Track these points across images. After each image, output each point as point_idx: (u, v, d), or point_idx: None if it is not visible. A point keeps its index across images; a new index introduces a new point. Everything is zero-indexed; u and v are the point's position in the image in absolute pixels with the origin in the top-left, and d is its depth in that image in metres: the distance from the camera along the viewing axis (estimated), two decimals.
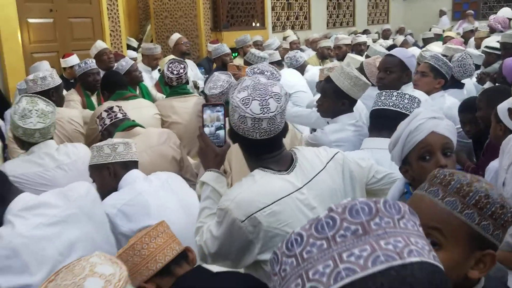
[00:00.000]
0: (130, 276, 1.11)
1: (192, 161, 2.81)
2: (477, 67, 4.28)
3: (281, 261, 0.52)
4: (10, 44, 4.64)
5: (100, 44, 4.63)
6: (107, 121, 2.44)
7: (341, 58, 5.62)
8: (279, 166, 1.44)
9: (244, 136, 1.39)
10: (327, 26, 10.71)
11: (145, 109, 3.21)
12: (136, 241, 1.36)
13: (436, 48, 4.89)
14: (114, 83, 3.34)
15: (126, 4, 8.00)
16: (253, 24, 7.91)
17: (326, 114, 2.53)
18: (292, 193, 1.39)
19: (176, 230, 1.56)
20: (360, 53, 5.56)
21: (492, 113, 2.36)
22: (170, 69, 3.30)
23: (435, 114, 1.51)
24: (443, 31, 8.50)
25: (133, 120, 2.57)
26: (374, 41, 7.19)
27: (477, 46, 5.90)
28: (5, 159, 2.89)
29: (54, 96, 3.03)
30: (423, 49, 4.99)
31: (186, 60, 5.34)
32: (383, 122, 2.08)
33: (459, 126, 2.90)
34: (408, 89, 2.64)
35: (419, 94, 2.77)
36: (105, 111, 2.49)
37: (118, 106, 2.55)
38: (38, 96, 2.28)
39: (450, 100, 3.03)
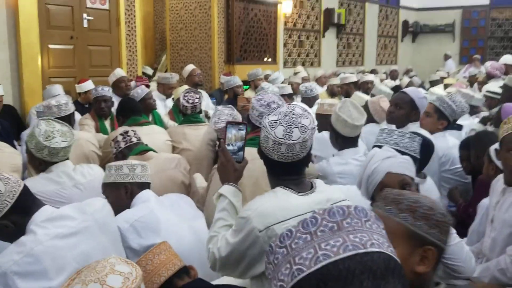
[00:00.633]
0: None
1: (201, 184, 2.91)
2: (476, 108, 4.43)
3: (275, 251, 0.66)
4: (30, 67, 4.85)
5: (119, 72, 4.83)
6: (122, 144, 2.56)
7: (346, 95, 5.83)
8: (299, 188, 1.55)
9: (265, 154, 1.53)
10: (337, 64, 10.97)
11: (157, 135, 3.33)
12: (141, 258, 1.47)
13: (439, 90, 5.05)
14: (129, 109, 3.48)
15: (143, 34, 8.29)
16: (265, 59, 8.15)
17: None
18: (310, 212, 1.49)
19: (183, 251, 1.65)
20: (366, 91, 5.73)
21: (478, 154, 2.49)
22: (186, 98, 3.44)
23: (388, 153, 1.63)
24: (448, 74, 8.69)
25: (146, 145, 2.69)
26: (382, 81, 7.38)
27: (480, 90, 6.06)
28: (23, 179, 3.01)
29: (72, 120, 3.24)
30: (427, 91, 5.14)
31: (205, 94, 5.53)
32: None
33: (458, 166, 3.00)
34: (414, 127, 2.76)
35: (424, 133, 2.88)
36: (121, 134, 2.62)
37: (133, 131, 2.68)
38: (51, 118, 2.42)
39: (451, 141, 3.13)
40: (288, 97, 5.00)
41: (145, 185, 2.13)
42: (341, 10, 10.61)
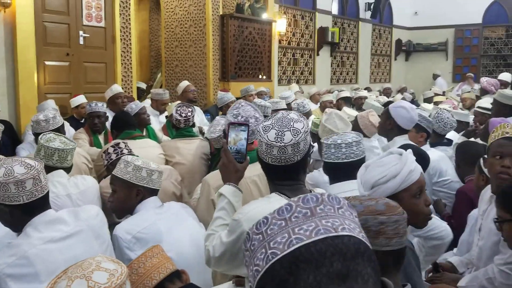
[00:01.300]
0: None
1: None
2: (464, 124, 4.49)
3: (251, 238, 0.68)
4: (26, 84, 4.90)
5: (116, 88, 4.89)
6: (113, 156, 2.59)
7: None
8: (294, 195, 1.56)
9: (260, 157, 1.56)
10: (331, 82, 11.09)
11: (150, 149, 3.36)
12: (133, 261, 1.48)
13: (430, 106, 5.14)
14: (123, 122, 3.52)
15: (139, 52, 8.39)
16: (260, 76, 8.24)
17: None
18: None
19: (183, 261, 1.67)
20: (360, 106, 5.80)
21: (458, 163, 2.53)
22: (178, 112, 3.48)
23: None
24: (443, 92, 8.81)
25: (137, 156, 2.71)
26: (376, 97, 7.46)
27: (470, 106, 6.14)
28: None
29: (62, 133, 3.26)
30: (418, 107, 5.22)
31: (197, 108, 5.59)
32: (340, 173, 2.17)
33: (445, 178, 3.04)
34: (402, 140, 2.80)
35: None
36: (112, 146, 2.65)
37: (124, 143, 2.71)
38: (53, 132, 2.59)
39: (437, 154, 3.18)
40: None
41: (155, 192, 2.16)
42: (335, 29, 10.78)
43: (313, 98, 8.06)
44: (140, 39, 8.79)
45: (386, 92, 10.04)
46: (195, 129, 4.80)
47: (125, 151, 2.65)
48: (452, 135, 4.02)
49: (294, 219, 0.66)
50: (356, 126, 3.48)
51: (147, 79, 9.09)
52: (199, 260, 1.93)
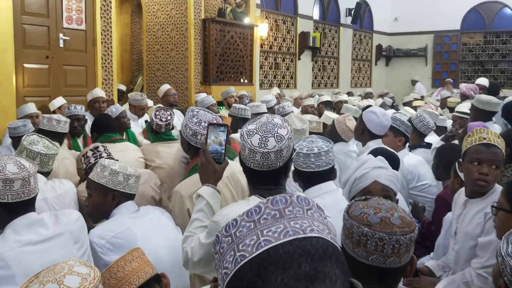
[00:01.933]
0: None
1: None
2: (442, 128, 4.59)
3: (221, 241, 0.68)
4: (4, 87, 4.82)
5: (96, 92, 4.87)
6: (92, 160, 2.57)
7: (320, 115, 6.02)
8: None
9: (243, 162, 1.54)
10: (312, 86, 11.18)
11: (130, 152, 3.34)
12: (112, 264, 1.48)
13: (411, 110, 5.23)
14: (103, 126, 3.50)
15: (120, 55, 8.34)
16: (241, 80, 8.26)
17: None
18: None
19: (159, 267, 1.67)
20: (340, 110, 5.88)
21: (437, 165, 2.57)
22: (158, 117, 3.46)
23: (381, 163, 1.69)
24: (422, 97, 8.95)
25: (116, 160, 2.70)
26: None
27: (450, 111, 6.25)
28: None
29: (63, 140, 3.45)
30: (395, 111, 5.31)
31: (174, 110, 5.57)
32: (311, 180, 2.11)
33: (424, 182, 3.08)
34: (375, 144, 2.83)
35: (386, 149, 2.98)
36: (91, 150, 2.63)
37: (103, 146, 2.70)
38: (38, 134, 2.58)
39: (415, 158, 3.22)
40: None
41: (132, 196, 2.14)
42: (316, 34, 10.88)
43: (295, 102, 8.11)
44: (122, 42, 8.74)
45: (368, 96, 10.16)
46: (176, 133, 4.80)
47: (104, 154, 2.63)
48: (431, 139, 4.09)
49: (263, 221, 0.66)
50: (333, 130, 3.52)
51: (128, 83, 9.04)
52: (176, 264, 1.93)
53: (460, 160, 2.22)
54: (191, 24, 7.35)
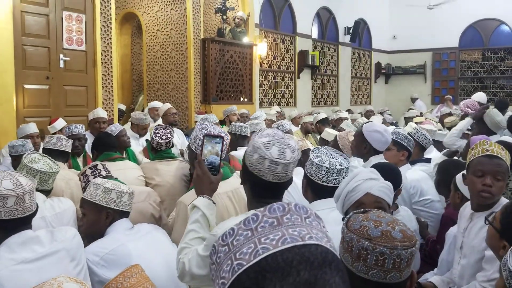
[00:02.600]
0: None
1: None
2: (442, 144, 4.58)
3: (217, 250, 0.67)
4: (5, 107, 4.83)
5: (98, 112, 4.88)
6: (91, 178, 2.55)
7: (319, 133, 6.09)
8: None
9: (258, 176, 1.50)
10: (312, 104, 11.21)
11: (130, 171, 3.33)
12: (111, 280, 1.44)
13: (414, 124, 5.23)
14: (103, 144, 3.50)
15: (120, 76, 8.40)
16: (241, 99, 8.29)
17: None
18: None
19: (156, 281, 1.63)
20: (339, 127, 5.88)
21: (439, 182, 2.53)
22: (158, 135, 3.46)
23: (372, 174, 1.67)
24: (421, 113, 8.99)
25: (115, 178, 2.68)
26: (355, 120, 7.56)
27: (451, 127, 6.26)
28: None
29: (67, 159, 3.44)
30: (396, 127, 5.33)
31: (174, 129, 5.58)
32: (319, 192, 2.05)
33: (426, 197, 3.05)
34: (377, 159, 2.81)
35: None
36: (89, 168, 2.62)
37: (102, 165, 2.68)
38: (39, 153, 2.58)
39: (418, 173, 3.19)
40: None
41: (126, 214, 2.12)
42: (315, 53, 10.97)
43: (294, 121, 8.13)
44: (122, 62, 8.81)
45: (368, 114, 10.17)
46: (176, 151, 4.78)
47: (103, 172, 2.62)
48: (433, 155, 4.07)
49: (260, 229, 0.65)
50: (335, 146, 3.50)
51: (129, 103, 9.07)
52: (171, 280, 1.89)
53: (464, 172, 2.19)
54: (191, 44, 7.42)
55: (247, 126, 4.60)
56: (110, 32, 5.97)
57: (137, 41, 9.19)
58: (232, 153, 4.00)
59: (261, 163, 1.48)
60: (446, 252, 2.41)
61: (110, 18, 5.96)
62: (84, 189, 2.61)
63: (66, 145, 3.39)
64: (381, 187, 1.69)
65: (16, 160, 3.59)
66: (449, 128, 6.14)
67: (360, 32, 12.65)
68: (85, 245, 2.03)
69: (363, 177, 1.68)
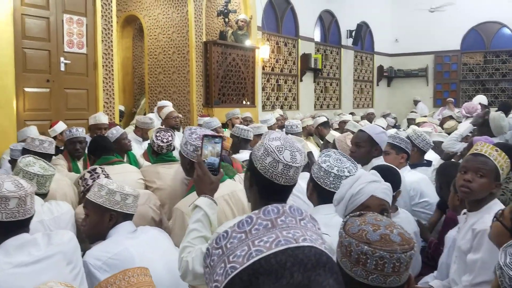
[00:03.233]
0: None
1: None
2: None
3: (211, 254, 0.66)
4: (5, 111, 4.82)
5: (100, 118, 4.85)
6: (90, 182, 2.53)
7: (320, 136, 6.10)
8: None
9: (270, 179, 1.49)
10: (315, 107, 11.18)
11: (129, 174, 3.30)
12: (110, 276, 1.41)
13: (415, 127, 5.22)
14: (100, 148, 3.46)
15: (122, 79, 8.39)
16: (244, 102, 8.27)
17: None
18: None
19: (159, 285, 1.60)
20: (344, 130, 5.86)
21: (440, 185, 2.51)
22: (159, 138, 3.43)
23: (374, 177, 1.65)
24: (424, 117, 8.99)
25: (112, 180, 2.65)
26: (357, 122, 7.54)
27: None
28: None
29: (49, 161, 3.28)
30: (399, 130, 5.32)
31: (177, 133, 5.57)
32: (326, 198, 2.00)
33: (426, 199, 3.03)
34: (378, 162, 2.79)
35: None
36: (88, 172, 2.59)
37: (101, 168, 2.65)
38: (35, 156, 2.55)
39: (417, 175, 3.18)
40: None
41: (130, 216, 2.10)
42: (317, 56, 10.95)
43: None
44: (124, 65, 8.80)
45: (369, 117, 10.14)
46: (176, 154, 4.75)
47: (101, 176, 2.59)
48: (432, 157, 4.06)
49: (254, 232, 0.64)
50: (334, 148, 3.48)
51: (130, 106, 9.06)
52: (174, 285, 1.86)
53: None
54: (193, 47, 7.40)
55: (251, 130, 4.58)
56: (111, 35, 5.96)
57: (139, 44, 9.18)
58: (234, 155, 3.97)
59: (274, 167, 1.48)
60: (446, 255, 2.39)
61: (111, 20, 5.95)
62: (83, 193, 2.58)
63: (49, 148, 3.39)
64: (384, 189, 1.69)
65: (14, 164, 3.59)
66: (448, 133, 6.12)
67: (362, 35, 12.63)
68: (86, 246, 2.00)
69: (366, 179, 1.67)
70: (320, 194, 1.96)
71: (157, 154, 3.49)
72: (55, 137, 4.89)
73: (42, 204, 2.36)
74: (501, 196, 3.05)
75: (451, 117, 7.98)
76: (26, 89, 5.16)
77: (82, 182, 2.59)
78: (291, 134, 5.27)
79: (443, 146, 4.19)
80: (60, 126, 4.86)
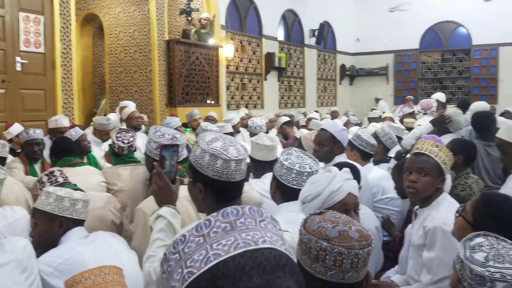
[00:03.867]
0: None
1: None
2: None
3: (168, 259, 0.64)
4: None
5: (61, 121, 4.71)
6: (47, 185, 2.45)
7: (284, 136, 6.12)
8: None
9: (227, 181, 1.45)
10: (279, 106, 11.26)
11: (91, 176, 3.22)
12: (77, 274, 1.38)
13: (377, 125, 5.33)
14: (62, 149, 3.38)
15: (81, 78, 8.17)
16: (208, 101, 8.22)
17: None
18: None
19: None
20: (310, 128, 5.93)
21: (396, 182, 2.58)
22: (120, 139, 3.37)
23: (348, 175, 1.68)
24: (383, 112, 9.20)
25: (74, 184, 2.58)
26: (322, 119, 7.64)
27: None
28: None
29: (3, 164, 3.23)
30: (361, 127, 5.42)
31: (139, 133, 5.48)
32: (288, 195, 2.00)
33: (388, 195, 3.10)
34: (341, 159, 2.84)
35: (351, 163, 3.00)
36: (46, 175, 2.51)
37: (59, 171, 2.58)
38: None
39: (379, 172, 3.25)
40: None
41: (81, 222, 2.05)
42: (281, 55, 11.02)
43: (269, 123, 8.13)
44: (83, 65, 8.58)
45: (334, 115, 10.29)
46: (140, 155, 4.68)
47: (60, 179, 2.52)
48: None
49: (213, 235, 0.63)
50: (300, 146, 3.51)
51: (91, 106, 8.84)
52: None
53: None
54: (155, 45, 7.30)
55: (215, 129, 4.57)
56: (70, 34, 5.79)
57: (99, 43, 8.97)
58: None
59: (227, 167, 1.45)
60: (406, 249, 2.44)
61: (70, 19, 5.79)
62: None
63: (1, 151, 3.34)
64: (356, 186, 1.72)
65: None
66: (409, 129, 6.31)
67: (325, 34, 12.81)
68: (38, 257, 1.93)
69: (343, 177, 1.69)
70: (283, 191, 1.97)
71: (118, 156, 3.42)
72: (10, 140, 4.73)
73: None
74: (462, 192, 3.17)
75: (411, 114, 8.22)
76: None
77: (40, 185, 2.51)
78: (255, 134, 5.29)
79: (403, 143, 4.29)
80: (16, 128, 4.68)
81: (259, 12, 10.43)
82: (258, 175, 2.89)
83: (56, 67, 5.61)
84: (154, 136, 2.25)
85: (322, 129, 3.08)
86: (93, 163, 4.18)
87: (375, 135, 3.66)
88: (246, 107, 9.92)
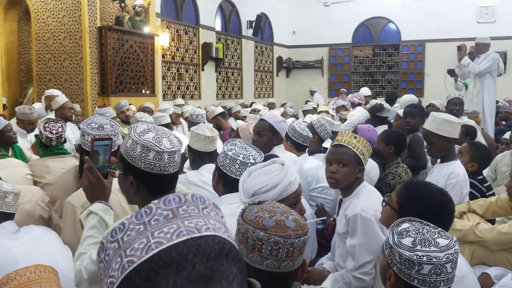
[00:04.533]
0: None
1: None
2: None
3: (106, 247, 0.62)
4: None
5: None
6: None
7: (218, 127, 6.10)
8: None
9: (159, 173, 1.41)
10: (217, 97, 11.21)
11: (15, 169, 3.04)
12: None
13: (313, 116, 5.48)
14: None
15: (6, 65, 7.67)
16: (143, 91, 8.01)
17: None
18: None
19: None
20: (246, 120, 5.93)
21: None
22: (48, 129, 3.20)
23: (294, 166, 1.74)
24: (317, 105, 9.47)
25: (0, 178, 2.43)
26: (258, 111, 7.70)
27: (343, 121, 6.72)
28: None
29: None
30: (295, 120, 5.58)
31: (70, 123, 5.23)
32: (231, 186, 1.99)
33: (322, 184, 3.20)
34: (279, 150, 2.89)
35: (290, 155, 3.06)
36: None
37: None
38: None
39: (315, 162, 3.35)
40: (167, 127, 4.98)
41: (10, 216, 1.94)
42: (219, 45, 10.96)
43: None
44: (8, 51, 8.03)
45: (270, 106, 10.42)
46: (71, 147, 4.48)
47: None
48: (328, 145, 4.29)
49: (154, 222, 0.61)
50: (237, 137, 3.53)
51: (16, 95, 8.30)
52: (65, 285, 1.75)
53: None
54: (86, 32, 6.98)
55: (151, 120, 4.45)
56: None
57: (25, 28, 8.42)
58: None
59: (160, 159, 1.42)
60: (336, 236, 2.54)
61: None
62: None
63: None
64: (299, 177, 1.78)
65: None
66: (343, 120, 6.55)
67: (262, 26, 12.88)
68: None
69: (293, 169, 1.73)
70: (226, 182, 1.97)
71: (46, 147, 3.25)
72: None
73: None
74: (392, 180, 3.34)
75: (343, 107, 8.52)
76: None
77: None
78: (195, 123, 5.20)
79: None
80: None
81: (196, 1, 10.29)
82: (195, 166, 2.85)
83: None
84: (87, 128, 2.20)
85: (262, 120, 3.12)
86: (19, 155, 3.94)
87: (310, 126, 3.74)
88: (183, 97, 9.79)
